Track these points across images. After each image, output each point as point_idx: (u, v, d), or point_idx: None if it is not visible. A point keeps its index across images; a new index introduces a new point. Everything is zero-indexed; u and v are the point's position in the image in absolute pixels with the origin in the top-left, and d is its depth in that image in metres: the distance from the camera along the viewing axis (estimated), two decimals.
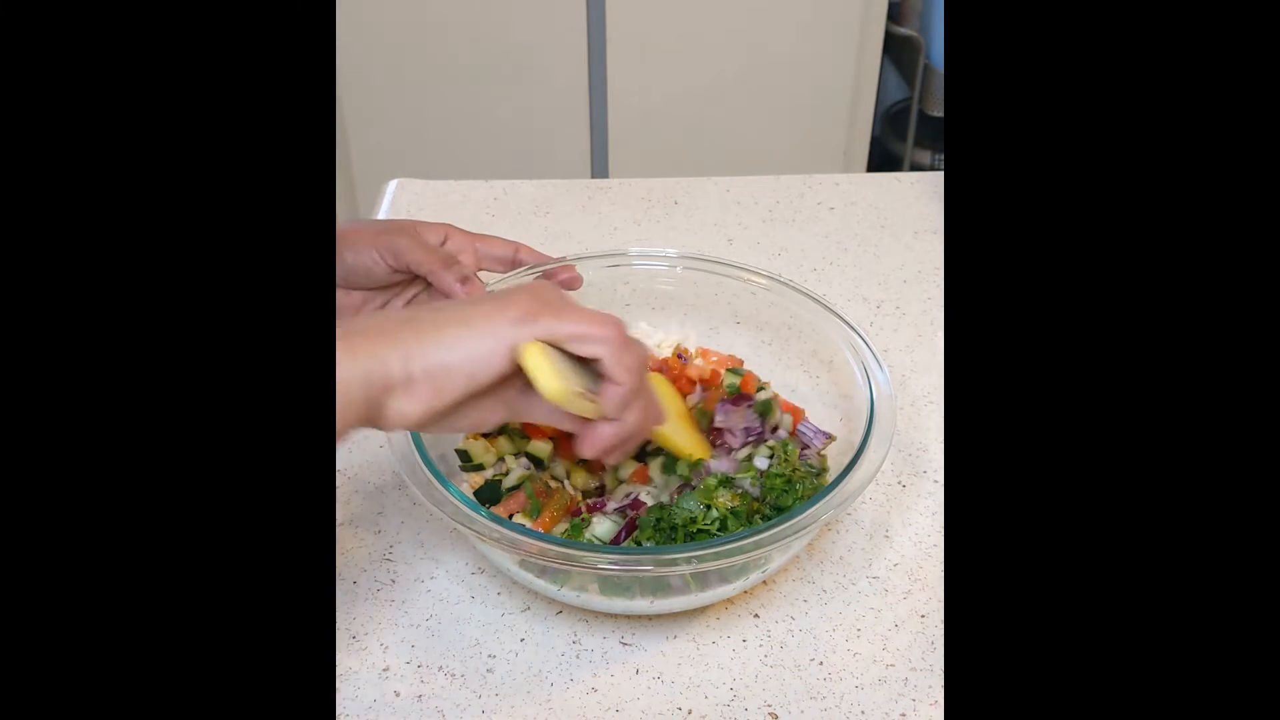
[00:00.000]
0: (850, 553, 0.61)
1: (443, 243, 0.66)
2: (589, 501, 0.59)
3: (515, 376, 0.50)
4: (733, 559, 0.51)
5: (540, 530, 0.57)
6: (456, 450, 0.62)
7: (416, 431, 0.54)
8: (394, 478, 0.65)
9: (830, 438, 0.62)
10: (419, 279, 0.65)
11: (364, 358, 0.46)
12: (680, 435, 0.59)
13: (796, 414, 0.64)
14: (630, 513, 0.57)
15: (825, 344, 0.65)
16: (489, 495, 0.59)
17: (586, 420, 0.52)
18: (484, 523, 0.52)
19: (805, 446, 0.61)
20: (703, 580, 0.54)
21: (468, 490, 0.59)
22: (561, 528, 0.57)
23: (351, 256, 0.63)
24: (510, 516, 0.58)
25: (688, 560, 0.51)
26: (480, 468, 0.61)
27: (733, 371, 0.64)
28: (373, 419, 0.47)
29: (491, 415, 0.52)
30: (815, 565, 0.60)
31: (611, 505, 0.58)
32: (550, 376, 0.48)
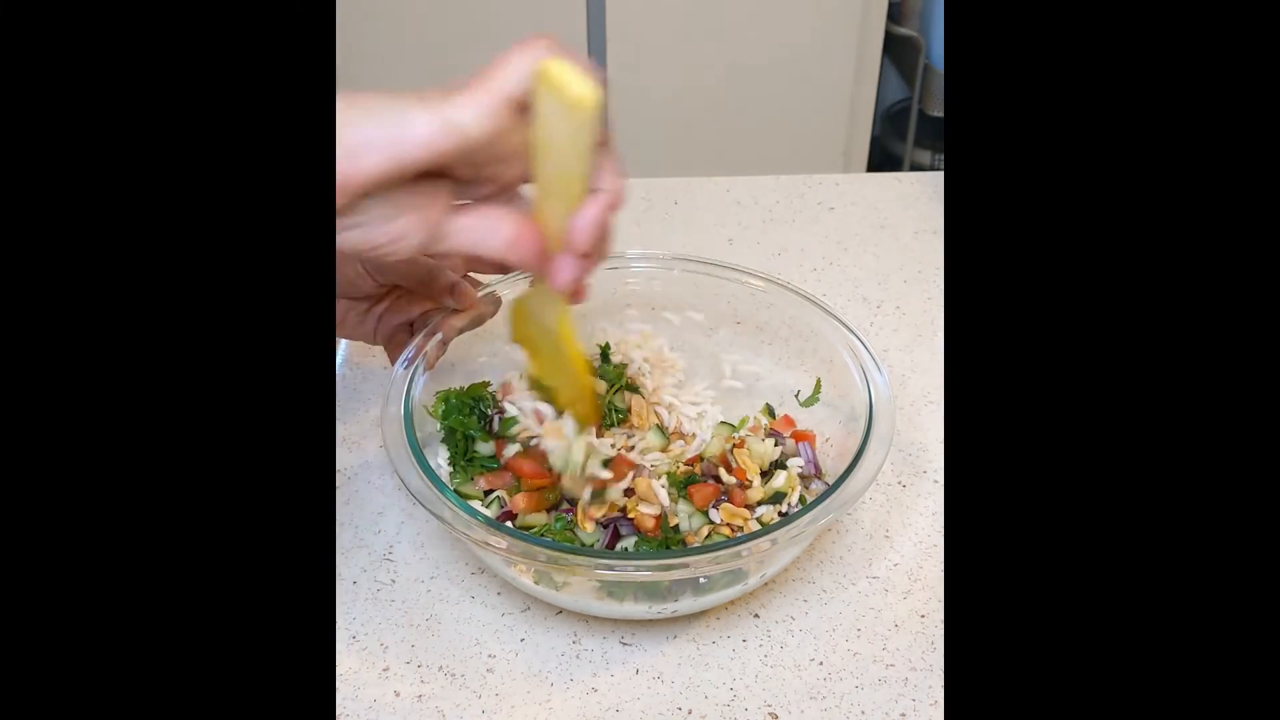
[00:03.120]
0: (850, 553, 0.61)
1: None
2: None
3: (445, 195, 0.45)
4: (731, 564, 0.51)
5: (516, 508, 0.57)
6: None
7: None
8: (394, 477, 0.65)
9: (823, 478, 0.61)
10: (405, 289, 0.65)
11: None
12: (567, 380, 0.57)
13: (809, 437, 0.63)
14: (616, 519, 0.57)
15: (824, 345, 0.65)
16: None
17: (529, 242, 0.46)
18: (482, 528, 0.52)
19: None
20: (701, 585, 0.54)
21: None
22: (540, 519, 0.58)
23: (338, 264, 0.63)
24: (489, 492, 0.59)
25: (685, 566, 0.51)
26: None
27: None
28: None
29: (414, 231, 0.44)
30: (815, 565, 0.60)
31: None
32: (582, 80, 0.41)
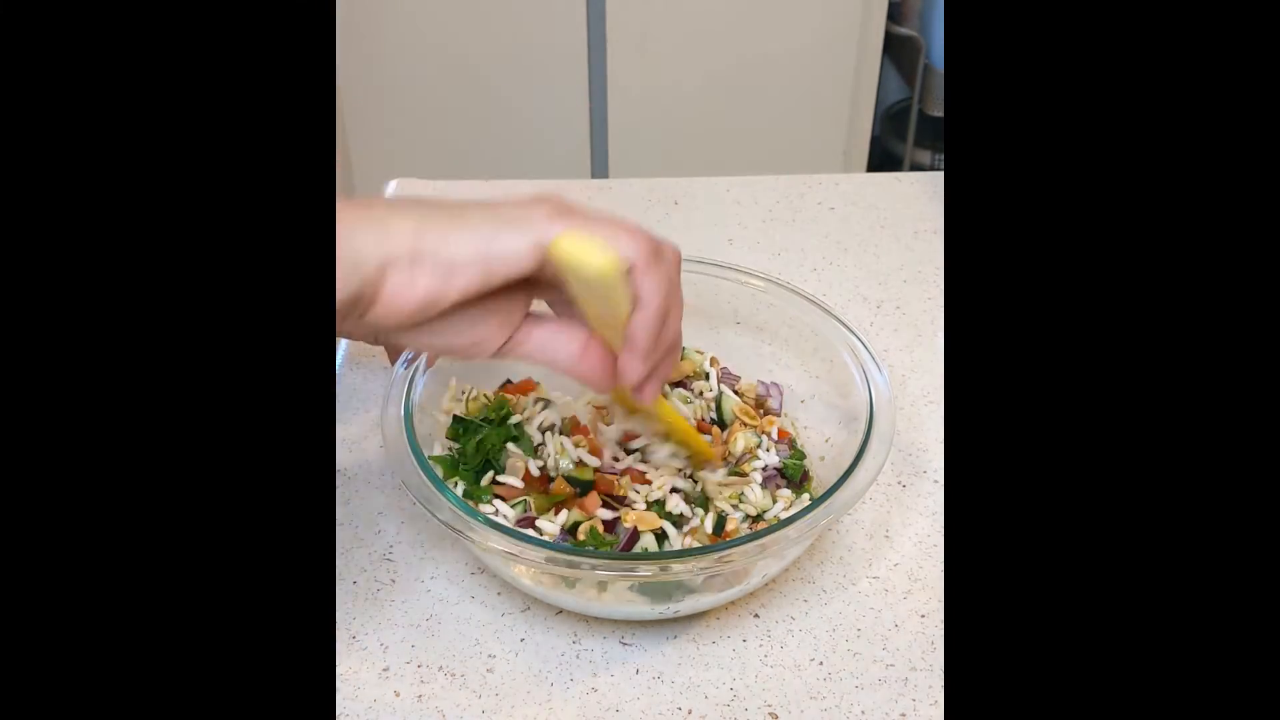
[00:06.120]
0: (850, 553, 0.61)
1: None
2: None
3: (525, 300, 0.47)
4: (731, 565, 0.51)
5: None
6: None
7: (406, 333, 0.45)
8: (394, 477, 0.65)
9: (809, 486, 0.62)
10: None
11: (371, 225, 0.41)
12: (688, 429, 0.59)
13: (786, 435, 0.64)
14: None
15: (824, 346, 0.65)
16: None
17: (595, 359, 0.48)
18: (482, 528, 0.52)
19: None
20: (701, 585, 0.54)
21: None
22: (562, 518, 0.57)
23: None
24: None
25: (685, 567, 0.51)
26: None
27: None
28: (365, 299, 0.42)
29: (492, 338, 0.46)
30: (815, 565, 0.60)
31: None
32: (596, 251, 0.42)
